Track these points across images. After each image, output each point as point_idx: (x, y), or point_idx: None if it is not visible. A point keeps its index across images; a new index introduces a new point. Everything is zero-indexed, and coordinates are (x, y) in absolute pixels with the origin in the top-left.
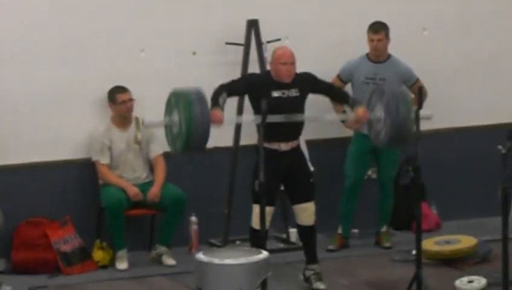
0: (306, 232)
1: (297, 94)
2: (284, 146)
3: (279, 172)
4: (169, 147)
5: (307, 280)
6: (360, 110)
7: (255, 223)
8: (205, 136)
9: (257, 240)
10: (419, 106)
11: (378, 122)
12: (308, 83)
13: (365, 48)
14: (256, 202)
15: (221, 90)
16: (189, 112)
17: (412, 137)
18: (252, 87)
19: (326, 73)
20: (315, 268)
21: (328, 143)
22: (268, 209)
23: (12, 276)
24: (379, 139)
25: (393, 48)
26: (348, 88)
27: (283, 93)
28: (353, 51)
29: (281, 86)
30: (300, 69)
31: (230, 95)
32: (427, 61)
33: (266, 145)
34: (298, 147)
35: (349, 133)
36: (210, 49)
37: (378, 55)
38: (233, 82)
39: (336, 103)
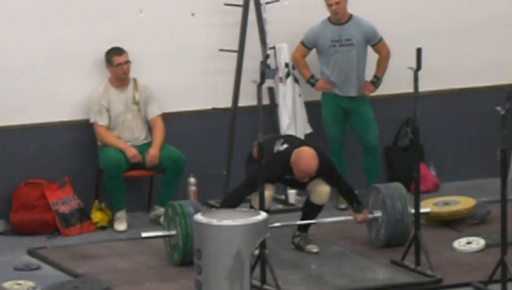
0: (314, 209)
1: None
2: None
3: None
4: (170, 259)
5: (297, 246)
6: (360, 217)
7: (255, 203)
8: None
9: None
10: (418, 67)
11: (377, 221)
12: (321, 171)
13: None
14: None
15: (232, 201)
16: (186, 228)
17: (410, 234)
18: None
19: None
20: (302, 234)
21: None
22: (270, 191)
23: (11, 237)
24: (379, 238)
25: (390, 9)
26: (313, 55)
27: (294, 176)
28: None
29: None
30: (298, 31)
31: (242, 200)
32: (426, 23)
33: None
34: None
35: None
36: (208, 10)
37: (339, 17)
38: (245, 189)
39: (342, 194)
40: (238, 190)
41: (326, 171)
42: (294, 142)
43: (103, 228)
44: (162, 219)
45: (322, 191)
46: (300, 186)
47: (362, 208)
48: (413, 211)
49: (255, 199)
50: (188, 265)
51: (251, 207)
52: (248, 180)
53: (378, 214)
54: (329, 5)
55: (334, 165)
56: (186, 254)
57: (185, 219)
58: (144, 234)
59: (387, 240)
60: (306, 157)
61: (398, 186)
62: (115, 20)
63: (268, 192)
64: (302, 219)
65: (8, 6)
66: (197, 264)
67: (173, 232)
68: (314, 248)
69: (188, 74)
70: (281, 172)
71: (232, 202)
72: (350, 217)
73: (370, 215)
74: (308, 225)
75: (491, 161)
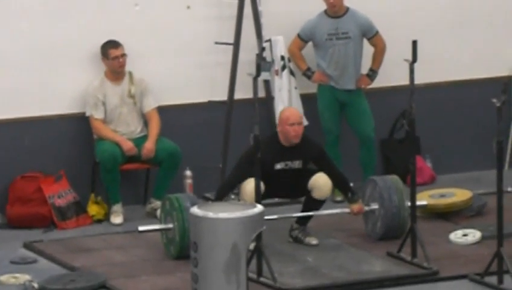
0: (316, 204)
1: (300, 167)
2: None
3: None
4: (166, 252)
5: (296, 239)
6: (355, 208)
7: (245, 200)
8: None
9: None
10: (414, 59)
11: (373, 214)
12: (312, 156)
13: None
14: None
15: (224, 190)
16: (183, 222)
17: (406, 227)
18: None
19: None
20: (300, 227)
21: None
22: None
23: (7, 230)
24: (376, 231)
25: (387, 5)
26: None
27: (286, 165)
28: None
29: (286, 154)
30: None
31: (235, 187)
32: (421, 16)
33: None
34: None
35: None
36: (204, 3)
37: (336, 10)
38: (236, 172)
39: (335, 182)
40: (230, 177)
41: (318, 155)
42: None
43: (99, 221)
44: (158, 212)
45: (322, 185)
46: (298, 191)
47: (357, 198)
48: (409, 204)
49: (243, 192)
50: (185, 259)
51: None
52: (238, 164)
53: (374, 206)
54: None
55: (326, 152)
56: (182, 249)
57: (182, 214)
58: (140, 228)
59: (383, 233)
60: (288, 109)
61: (394, 179)
62: (110, 13)
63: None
64: (302, 210)
65: (3, 0)
66: (193, 257)
67: (170, 225)
68: (313, 240)
69: (184, 66)
70: (272, 151)
71: (224, 190)
72: (347, 209)
73: (366, 208)
74: (308, 218)
75: (487, 153)
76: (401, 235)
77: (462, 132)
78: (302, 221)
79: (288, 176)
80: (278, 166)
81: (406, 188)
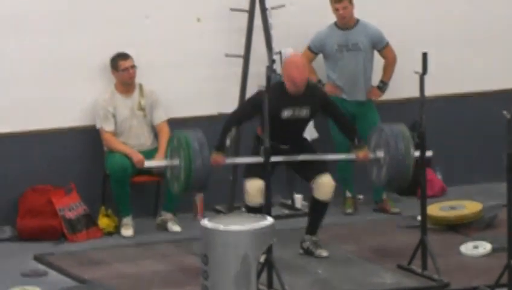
0: (319, 207)
1: (307, 116)
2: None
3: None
4: (170, 188)
5: (307, 251)
6: (361, 154)
7: (248, 201)
8: (204, 182)
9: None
10: (424, 71)
11: (379, 162)
12: (319, 102)
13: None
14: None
15: (230, 124)
16: (190, 162)
17: (411, 175)
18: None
19: None
20: (311, 238)
21: None
22: (260, 183)
23: (17, 243)
24: (380, 178)
25: (399, 17)
26: (320, 60)
27: (293, 112)
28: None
29: (293, 101)
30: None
31: (240, 124)
32: (432, 28)
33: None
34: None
35: None
36: (214, 15)
37: (346, 22)
38: (243, 109)
39: (344, 130)
40: (232, 115)
41: (324, 101)
42: None
43: (110, 233)
44: (169, 225)
45: (325, 183)
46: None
47: (363, 145)
48: (416, 153)
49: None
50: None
51: (246, 205)
52: (242, 106)
53: (380, 154)
54: (336, 10)
55: (331, 98)
56: (186, 188)
57: (189, 153)
58: (146, 163)
59: (388, 180)
60: (291, 56)
61: (401, 127)
62: (121, 26)
63: (257, 183)
64: (309, 223)
65: (14, 13)
66: (203, 270)
67: (176, 162)
68: (323, 252)
69: (194, 79)
70: (279, 98)
71: (225, 130)
72: (353, 156)
73: (372, 155)
74: (316, 227)
75: (498, 165)
76: (405, 184)
77: (472, 144)
78: (311, 230)
79: (295, 126)
80: (286, 113)
81: (417, 200)
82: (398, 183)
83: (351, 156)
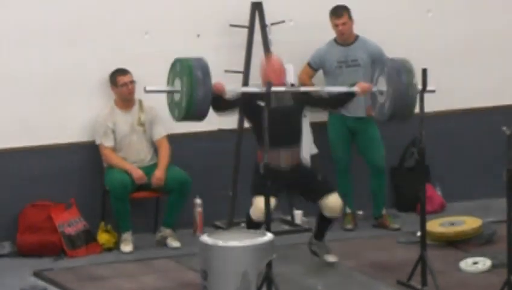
0: (327, 221)
1: (292, 105)
2: (284, 158)
3: (281, 187)
4: (170, 114)
5: (314, 253)
6: (364, 86)
7: (256, 215)
8: (205, 111)
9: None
10: (424, 87)
11: (382, 95)
12: (305, 97)
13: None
14: (257, 194)
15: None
16: (191, 89)
17: (414, 107)
18: (247, 100)
19: None
20: (318, 243)
21: None
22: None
23: (17, 259)
24: (383, 112)
25: (398, 30)
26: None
27: (277, 102)
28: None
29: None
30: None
31: (229, 106)
32: (431, 42)
33: (267, 160)
34: (300, 164)
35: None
36: (214, 31)
37: (346, 38)
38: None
39: (337, 104)
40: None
41: (306, 95)
42: None
43: (109, 249)
44: (168, 240)
45: (333, 202)
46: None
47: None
48: (419, 86)
49: (255, 210)
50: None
51: (248, 218)
52: None
53: (383, 87)
54: (335, 26)
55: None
56: (187, 115)
57: (191, 80)
58: (148, 88)
59: (391, 114)
60: (270, 63)
61: (404, 60)
62: (120, 41)
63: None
64: (317, 229)
65: (14, 28)
66: (203, 285)
67: (178, 88)
68: (331, 258)
69: None
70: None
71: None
72: (355, 88)
73: (374, 88)
74: (323, 233)
75: (497, 181)
76: (408, 116)
77: (472, 160)
78: (319, 236)
79: (290, 126)
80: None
81: (416, 215)
82: (401, 115)
83: (354, 88)
